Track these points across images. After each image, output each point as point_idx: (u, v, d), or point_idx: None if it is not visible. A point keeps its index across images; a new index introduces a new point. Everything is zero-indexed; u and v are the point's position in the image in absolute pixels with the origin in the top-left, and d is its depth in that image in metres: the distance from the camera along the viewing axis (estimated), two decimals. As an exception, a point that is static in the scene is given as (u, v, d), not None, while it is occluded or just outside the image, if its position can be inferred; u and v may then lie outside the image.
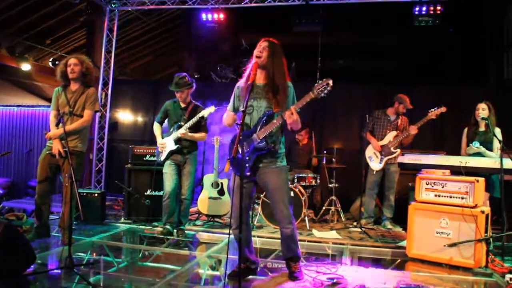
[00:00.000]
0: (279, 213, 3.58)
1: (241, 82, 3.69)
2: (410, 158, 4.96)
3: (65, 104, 4.63)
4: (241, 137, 3.29)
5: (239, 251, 3.22)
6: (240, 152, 3.35)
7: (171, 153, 5.10)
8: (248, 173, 3.53)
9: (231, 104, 3.76)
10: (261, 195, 5.85)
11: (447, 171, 4.59)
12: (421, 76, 10.05)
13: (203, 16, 7.96)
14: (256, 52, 3.50)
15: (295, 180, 6.18)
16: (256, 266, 3.82)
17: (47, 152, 4.63)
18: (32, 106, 9.43)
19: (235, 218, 3.50)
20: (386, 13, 8.76)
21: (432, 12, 6.81)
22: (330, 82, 3.28)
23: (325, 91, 3.29)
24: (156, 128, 5.26)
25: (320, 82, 3.32)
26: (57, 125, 4.47)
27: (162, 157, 5.15)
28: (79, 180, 5.01)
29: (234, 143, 3.32)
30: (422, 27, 7.12)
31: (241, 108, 3.47)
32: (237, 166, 3.47)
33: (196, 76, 10.59)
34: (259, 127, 3.50)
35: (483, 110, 5.04)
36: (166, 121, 5.35)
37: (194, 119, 4.98)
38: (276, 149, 3.57)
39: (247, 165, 3.51)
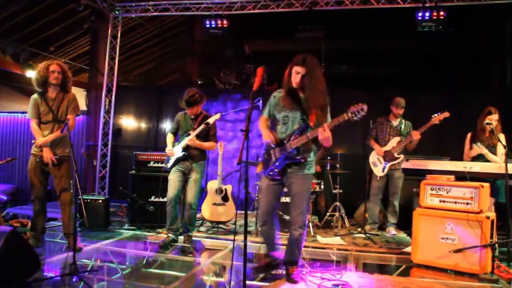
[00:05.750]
0: (294, 217, 3.71)
1: (279, 92, 3.83)
2: (414, 164, 4.96)
3: (47, 112, 4.54)
4: (246, 144, 3.31)
5: (267, 246, 3.86)
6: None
7: (178, 160, 5.14)
8: (277, 177, 3.75)
9: (266, 110, 3.92)
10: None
11: (452, 177, 4.57)
12: (424, 81, 10.07)
13: (206, 22, 7.97)
14: (295, 81, 3.57)
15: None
16: (278, 263, 3.94)
17: (37, 160, 4.56)
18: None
19: (262, 215, 3.84)
20: (389, 19, 8.77)
21: (435, 17, 6.80)
22: (365, 107, 3.37)
23: (359, 115, 3.39)
24: (168, 137, 5.34)
25: (355, 105, 3.40)
26: (62, 131, 4.47)
27: (169, 164, 5.20)
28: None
29: (267, 150, 3.79)
30: (425, 33, 7.11)
31: (279, 118, 3.77)
32: (267, 167, 3.78)
33: (199, 82, 10.65)
34: (292, 137, 3.65)
35: (495, 122, 5.05)
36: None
37: (201, 127, 5.02)
38: (306, 157, 3.69)
39: (276, 170, 3.71)
